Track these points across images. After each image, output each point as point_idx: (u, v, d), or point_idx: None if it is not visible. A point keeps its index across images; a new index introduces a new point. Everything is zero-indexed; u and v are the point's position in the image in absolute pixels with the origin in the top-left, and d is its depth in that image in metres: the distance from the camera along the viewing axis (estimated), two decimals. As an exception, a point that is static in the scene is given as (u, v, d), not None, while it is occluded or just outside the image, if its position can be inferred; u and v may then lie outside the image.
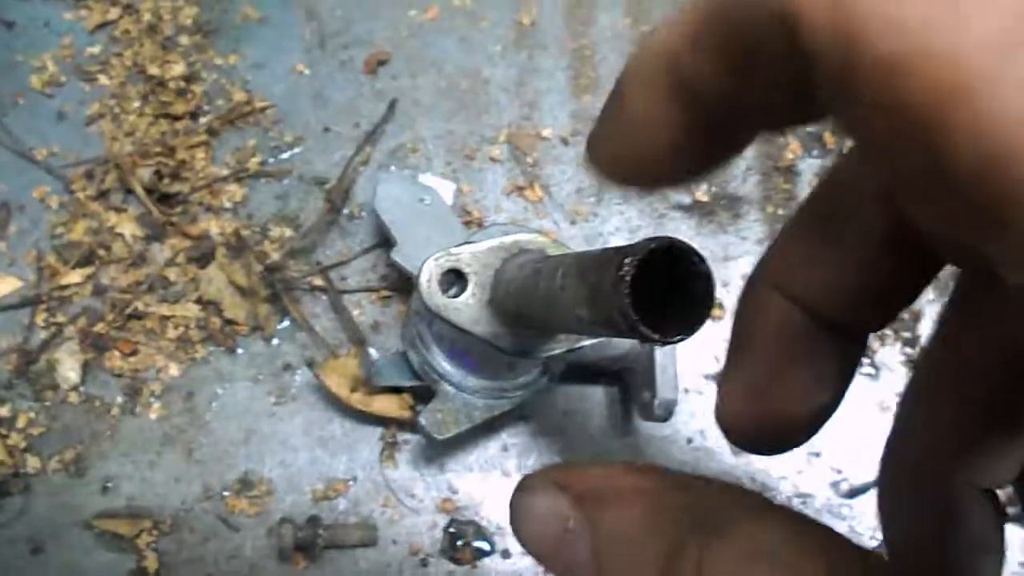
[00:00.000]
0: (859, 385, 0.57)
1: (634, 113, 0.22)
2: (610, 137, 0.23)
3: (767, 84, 0.19)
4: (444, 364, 0.50)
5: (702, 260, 0.26)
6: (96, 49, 0.65)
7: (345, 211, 0.61)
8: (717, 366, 0.58)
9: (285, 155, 0.62)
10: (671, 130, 0.21)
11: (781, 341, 0.25)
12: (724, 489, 0.21)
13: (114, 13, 0.66)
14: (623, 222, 0.61)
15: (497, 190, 0.62)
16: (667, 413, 0.51)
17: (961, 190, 0.15)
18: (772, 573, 0.18)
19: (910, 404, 0.26)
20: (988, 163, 0.15)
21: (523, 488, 0.23)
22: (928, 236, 0.20)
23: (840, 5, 0.15)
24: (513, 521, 0.23)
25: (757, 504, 0.20)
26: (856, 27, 0.15)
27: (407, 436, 0.55)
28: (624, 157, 0.23)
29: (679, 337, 0.27)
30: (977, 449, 0.25)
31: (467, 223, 0.60)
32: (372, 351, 0.51)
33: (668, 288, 0.27)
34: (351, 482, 0.55)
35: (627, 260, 0.26)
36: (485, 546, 0.54)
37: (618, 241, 0.60)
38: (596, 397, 0.57)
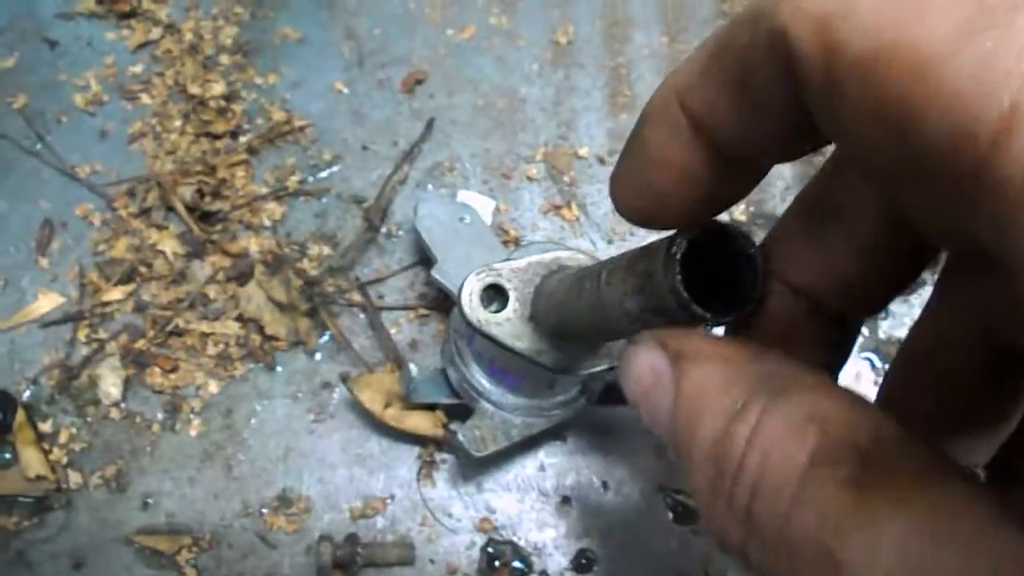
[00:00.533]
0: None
1: (652, 150, 0.24)
2: (630, 175, 0.26)
3: (768, 108, 0.21)
4: (483, 381, 0.50)
5: (752, 243, 0.26)
6: (138, 68, 0.66)
7: (383, 229, 0.61)
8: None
9: (323, 173, 0.63)
10: (687, 165, 0.24)
11: (777, 326, 0.27)
12: (795, 364, 0.23)
13: (156, 33, 0.67)
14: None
15: (534, 209, 0.62)
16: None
17: (936, 171, 0.17)
18: (821, 435, 0.20)
19: (890, 384, 0.28)
20: (953, 139, 0.16)
21: (632, 342, 0.26)
22: (918, 223, 0.21)
23: (821, 17, 0.18)
24: (619, 369, 0.27)
25: (820, 379, 0.22)
26: (836, 33, 0.18)
27: (444, 455, 0.55)
28: (644, 194, 0.25)
29: (730, 317, 0.27)
30: (954, 427, 0.27)
31: (504, 242, 0.60)
32: (412, 367, 0.51)
33: (718, 273, 0.27)
34: (389, 500, 0.55)
35: (678, 240, 0.26)
36: (522, 566, 0.54)
37: (655, 260, 0.60)
38: (633, 418, 0.56)
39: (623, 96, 0.65)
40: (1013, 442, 0.26)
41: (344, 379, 0.55)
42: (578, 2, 0.68)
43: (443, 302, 0.58)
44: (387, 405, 0.54)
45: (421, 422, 0.54)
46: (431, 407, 0.54)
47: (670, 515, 0.55)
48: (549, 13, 0.67)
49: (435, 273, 0.54)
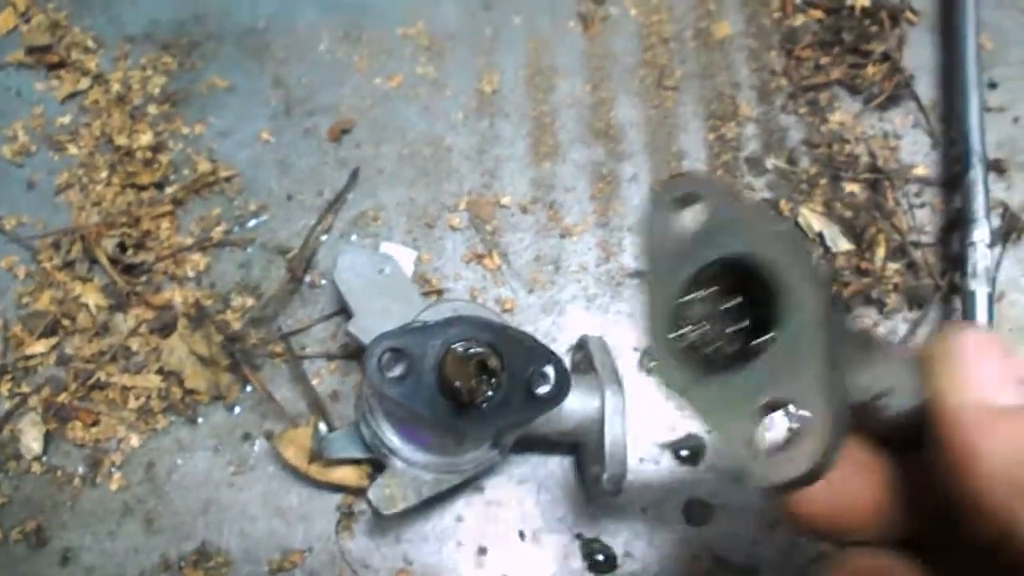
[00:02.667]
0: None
1: None
2: None
3: None
4: (393, 439, 0.51)
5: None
6: (66, 119, 0.66)
7: (307, 279, 0.62)
8: (672, 435, 0.58)
9: (249, 224, 0.63)
10: None
11: None
12: None
13: (84, 83, 0.67)
14: (580, 291, 0.62)
15: (456, 258, 0.62)
16: (616, 488, 0.52)
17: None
18: None
19: None
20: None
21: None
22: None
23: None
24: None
25: None
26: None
27: (363, 506, 0.56)
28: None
29: None
30: None
31: (426, 293, 0.61)
32: (322, 426, 0.52)
33: None
34: (307, 553, 0.55)
35: None
36: (440, 616, 0.54)
37: (575, 310, 0.61)
38: (549, 466, 0.57)
39: (546, 145, 0.66)
40: None
41: (268, 436, 0.56)
42: (504, 51, 0.69)
43: (363, 353, 0.59)
44: (311, 459, 0.54)
45: (347, 474, 0.55)
46: (355, 460, 0.54)
47: (585, 563, 0.55)
48: (475, 61, 0.68)
49: (351, 327, 0.54)
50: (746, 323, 0.29)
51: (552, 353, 0.49)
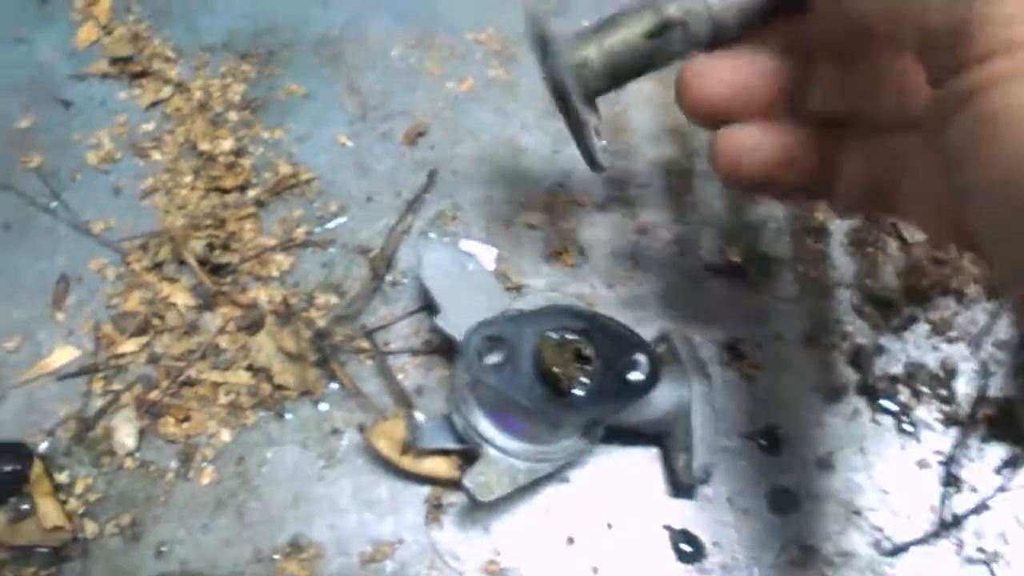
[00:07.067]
0: (897, 443, 0.58)
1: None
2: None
3: None
4: (487, 428, 0.52)
5: None
6: (150, 126, 0.68)
7: (388, 278, 0.63)
8: (753, 425, 0.59)
9: (330, 225, 0.65)
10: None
11: None
12: None
13: (166, 92, 0.69)
14: (659, 285, 0.62)
15: (535, 255, 0.63)
16: (706, 475, 0.52)
17: None
18: None
19: None
20: None
21: None
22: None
23: None
24: None
25: None
26: None
27: (452, 498, 0.57)
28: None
29: None
30: None
31: (507, 288, 0.61)
32: (418, 415, 0.53)
33: None
34: (398, 545, 0.56)
35: None
36: (530, 607, 0.55)
37: (654, 305, 0.62)
38: (634, 457, 0.58)
39: (620, 143, 0.67)
40: None
41: (361, 429, 0.56)
42: (574, 54, 0.70)
43: (448, 348, 0.60)
44: (403, 451, 0.55)
45: (437, 466, 0.55)
46: (445, 451, 0.55)
47: (674, 554, 0.56)
48: (546, 64, 0.69)
49: (439, 321, 0.55)
50: None
51: (643, 341, 0.50)
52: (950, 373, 0.60)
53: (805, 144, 0.45)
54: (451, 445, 0.54)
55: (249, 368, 0.60)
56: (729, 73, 0.45)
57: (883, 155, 0.43)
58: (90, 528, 0.56)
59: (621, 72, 0.47)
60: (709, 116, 0.47)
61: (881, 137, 0.43)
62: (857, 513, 0.56)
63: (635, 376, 0.49)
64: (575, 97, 0.47)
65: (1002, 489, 0.57)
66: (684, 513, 0.57)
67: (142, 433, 0.59)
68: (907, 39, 0.33)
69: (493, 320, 0.49)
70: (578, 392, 0.48)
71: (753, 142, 0.45)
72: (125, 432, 0.59)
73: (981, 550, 0.56)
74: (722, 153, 0.47)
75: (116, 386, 0.60)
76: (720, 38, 0.45)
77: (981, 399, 0.59)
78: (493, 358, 0.48)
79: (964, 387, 0.60)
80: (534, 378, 0.48)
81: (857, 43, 0.42)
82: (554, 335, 0.49)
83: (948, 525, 0.56)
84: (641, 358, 0.50)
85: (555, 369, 0.47)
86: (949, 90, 0.31)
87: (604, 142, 0.51)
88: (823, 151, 0.45)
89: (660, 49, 0.45)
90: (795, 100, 0.45)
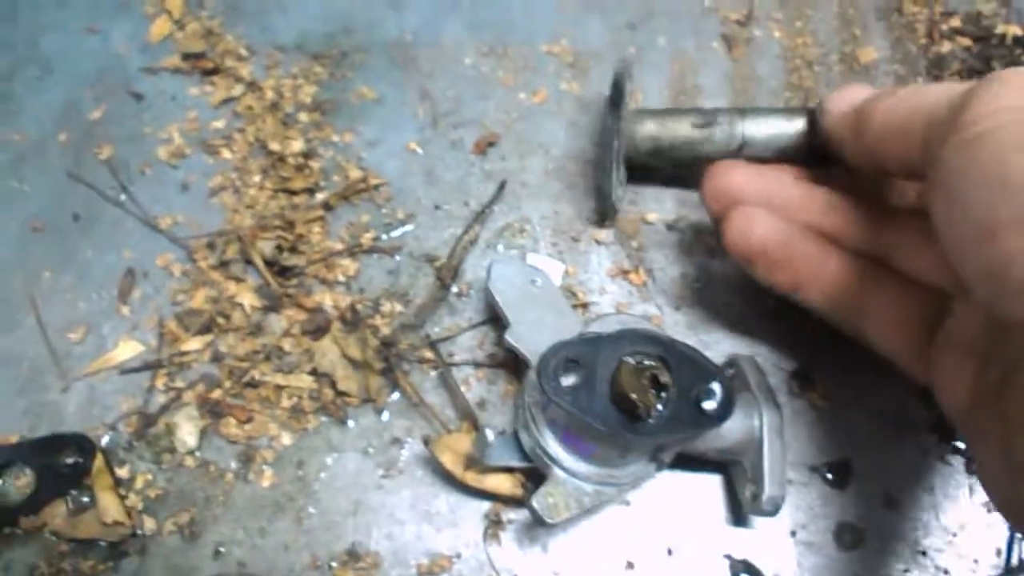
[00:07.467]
0: (966, 484, 0.57)
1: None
2: None
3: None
4: (556, 448, 0.51)
5: None
6: (220, 123, 0.68)
7: (454, 288, 0.62)
8: (820, 457, 0.58)
9: (397, 232, 0.64)
10: None
11: None
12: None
13: (238, 90, 0.69)
14: (727, 309, 0.62)
15: (602, 272, 0.63)
16: (775, 508, 0.52)
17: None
18: None
19: None
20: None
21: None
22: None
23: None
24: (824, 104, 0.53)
25: None
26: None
27: (511, 515, 0.56)
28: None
29: None
30: None
31: (574, 305, 0.61)
32: (488, 432, 0.52)
33: None
34: (455, 559, 0.55)
35: None
36: (586, 629, 0.54)
37: (721, 328, 0.61)
38: (697, 483, 0.57)
39: (691, 163, 0.66)
40: None
41: (426, 442, 0.56)
42: (648, 70, 0.70)
43: (512, 362, 0.59)
44: (467, 466, 0.55)
45: (500, 483, 0.55)
46: (508, 468, 0.55)
47: (734, 584, 0.55)
48: (619, 79, 0.69)
49: (508, 337, 0.55)
50: None
51: (719, 369, 0.49)
52: None
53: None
54: (517, 463, 0.53)
55: (312, 372, 0.60)
56: (754, 175, 0.54)
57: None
58: (149, 524, 0.56)
59: (662, 151, 0.60)
60: (723, 202, 0.54)
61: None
62: (923, 553, 0.55)
63: (709, 405, 0.48)
64: (615, 155, 0.59)
65: (1072, 536, 0.56)
66: (746, 543, 0.56)
67: (203, 432, 0.59)
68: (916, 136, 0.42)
69: (571, 342, 0.49)
70: (652, 419, 0.47)
71: (765, 222, 0.53)
72: (186, 430, 0.59)
73: (1048, 598, 0.55)
74: (731, 226, 0.53)
75: (179, 383, 0.60)
76: (748, 155, 0.58)
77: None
78: (569, 380, 0.48)
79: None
80: (609, 402, 0.48)
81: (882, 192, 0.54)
82: (631, 360, 0.48)
83: (1014, 571, 0.55)
84: (716, 387, 0.49)
85: (632, 395, 0.47)
86: (947, 148, 0.38)
87: (621, 200, 0.63)
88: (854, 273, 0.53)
89: (701, 141, 0.58)
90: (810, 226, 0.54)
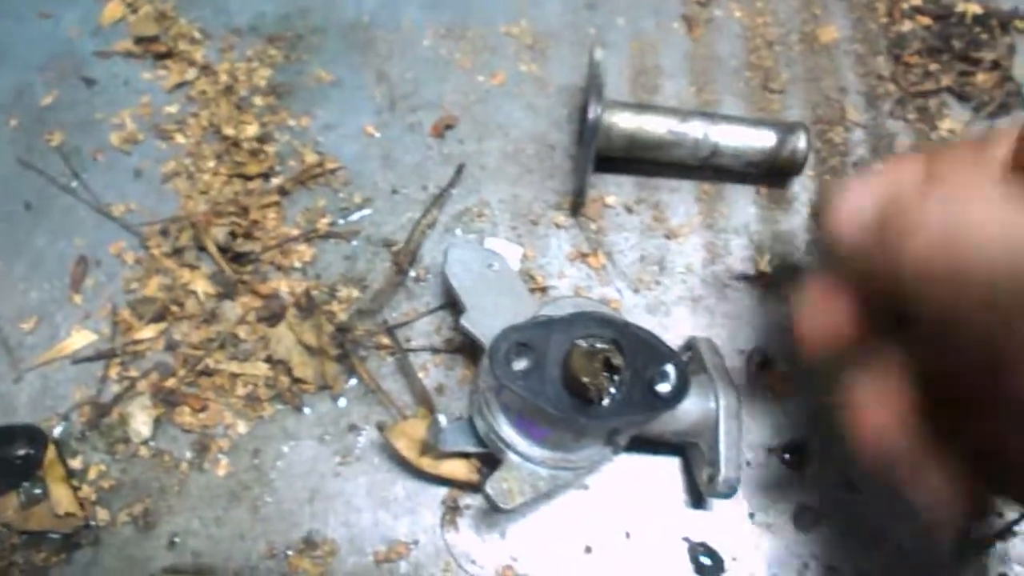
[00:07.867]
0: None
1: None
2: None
3: None
4: (510, 433, 0.51)
5: None
6: (174, 108, 0.67)
7: (411, 273, 0.62)
8: (778, 440, 0.58)
9: (354, 216, 0.64)
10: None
11: None
12: None
13: (192, 74, 0.68)
14: (686, 292, 0.61)
15: (561, 256, 0.62)
16: (731, 490, 0.51)
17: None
18: None
19: None
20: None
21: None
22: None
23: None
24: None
25: None
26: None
27: (468, 500, 0.56)
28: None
29: None
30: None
31: (532, 289, 0.60)
32: (441, 417, 0.52)
33: None
34: (413, 545, 0.55)
35: None
36: (544, 614, 0.54)
37: (681, 311, 0.61)
38: (655, 466, 0.57)
39: (651, 145, 0.65)
40: None
41: (380, 428, 0.56)
42: (608, 51, 0.69)
43: (470, 347, 0.59)
44: (422, 452, 0.54)
45: (456, 468, 0.55)
46: (464, 454, 0.54)
47: (692, 566, 0.55)
48: (579, 60, 0.68)
49: (464, 322, 0.54)
50: None
51: (673, 352, 0.49)
52: None
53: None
54: (472, 448, 0.53)
55: (268, 360, 0.59)
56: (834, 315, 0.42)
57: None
58: (102, 516, 0.56)
59: (634, 148, 0.61)
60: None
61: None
62: (881, 534, 0.55)
63: (663, 387, 0.48)
64: (593, 152, 0.58)
65: (1028, 514, 0.56)
66: (704, 525, 0.56)
67: (157, 421, 0.58)
68: None
69: (522, 326, 0.48)
70: (605, 402, 0.47)
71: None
72: (140, 420, 0.58)
73: (1003, 575, 0.55)
74: (804, 321, 0.43)
75: (132, 372, 0.59)
76: (717, 163, 0.62)
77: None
78: (521, 364, 0.47)
79: None
80: (561, 386, 0.47)
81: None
82: (584, 343, 0.48)
83: (972, 548, 0.56)
84: (670, 369, 0.48)
85: (584, 378, 0.46)
86: None
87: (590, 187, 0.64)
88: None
89: (672, 145, 0.61)
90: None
